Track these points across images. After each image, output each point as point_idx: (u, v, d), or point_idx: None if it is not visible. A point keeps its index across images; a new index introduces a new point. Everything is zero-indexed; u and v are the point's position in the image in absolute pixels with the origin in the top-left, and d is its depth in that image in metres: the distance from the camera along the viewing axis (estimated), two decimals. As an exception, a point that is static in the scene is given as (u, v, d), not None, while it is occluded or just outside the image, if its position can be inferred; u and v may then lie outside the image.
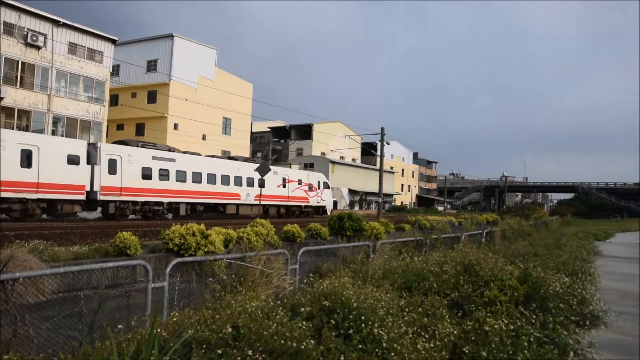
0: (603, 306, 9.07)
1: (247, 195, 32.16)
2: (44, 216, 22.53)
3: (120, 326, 4.25)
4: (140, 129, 46.33)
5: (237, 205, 31.71)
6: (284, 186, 35.80)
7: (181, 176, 27.58)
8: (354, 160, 75.31)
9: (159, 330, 3.89)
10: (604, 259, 19.68)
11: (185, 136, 44.08)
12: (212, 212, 30.62)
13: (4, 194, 19.63)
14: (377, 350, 4.45)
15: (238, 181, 31.67)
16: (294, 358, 4.07)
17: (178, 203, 27.66)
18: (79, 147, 23.10)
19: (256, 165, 28.55)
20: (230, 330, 4.18)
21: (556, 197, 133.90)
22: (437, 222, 22.05)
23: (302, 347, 4.12)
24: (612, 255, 21.74)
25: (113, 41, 38.54)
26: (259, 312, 4.69)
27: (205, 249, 9.37)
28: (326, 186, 41.20)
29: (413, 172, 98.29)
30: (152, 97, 46.16)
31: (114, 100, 44.62)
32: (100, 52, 37.61)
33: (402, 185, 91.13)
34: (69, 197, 22.30)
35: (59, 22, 34.17)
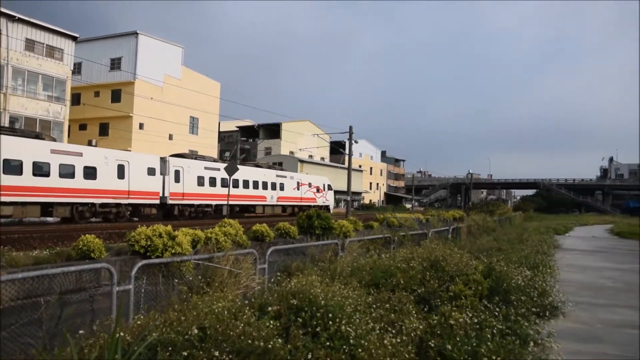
0: (562, 297, 9.43)
1: (272, 197, 37.24)
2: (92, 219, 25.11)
3: (81, 331, 4.14)
4: (104, 129, 45.15)
5: (264, 206, 36.72)
6: (298, 189, 40.82)
7: (224, 182, 30.88)
8: (322, 159, 75.52)
9: (122, 334, 3.81)
10: (563, 252, 20.42)
11: (151, 136, 43.20)
12: (243, 212, 35.11)
13: (106, 200, 25.01)
14: (344, 347, 4.48)
15: (265, 185, 36.50)
16: (262, 357, 4.06)
17: (222, 205, 31.47)
18: (155, 161, 28.11)
19: (278, 172, 36.26)
20: (196, 331, 4.13)
21: (519, 193, 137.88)
22: (405, 219, 22.36)
23: (270, 346, 4.12)
24: (571, 249, 22.58)
25: (74, 38, 37.40)
26: (226, 312, 4.65)
27: (173, 251, 9.23)
28: (329, 188, 46.80)
29: (381, 170, 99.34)
30: (116, 96, 45.00)
31: (75, 100, 43.26)
32: (60, 50, 36.43)
33: (371, 183, 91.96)
34: (149, 201, 27.53)
35: (14, 17, 32.88)
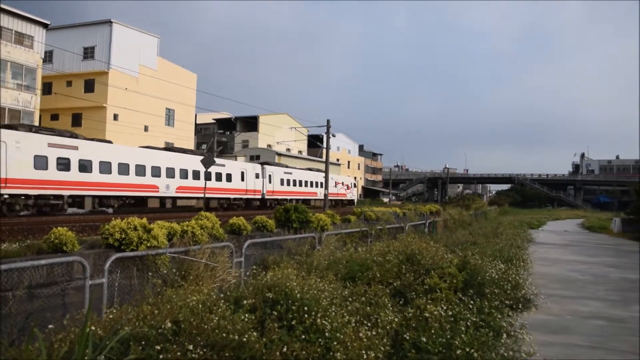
0: (534, 290, 9.66)
1: (320, 193, 47.63)
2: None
3: (51, 326, 4.04)
4: (76, 120, 44.02)
5: (315, 199, 48.55)
6: (335, 186, 53.42)
7: (296, 183, 44.78)
8: (300, 152, 75.30)
9: (93, 328, 3.73)
10: (536, 245, 20.88)
11: (126, 127, 42.37)
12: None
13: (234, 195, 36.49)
14: (320, 340, 4.48)
15: (317, 184, 48.82)
16: (236, 351, 4.03)
17: (292, 200, 40.16)
18: (258, 167, 39.36)
19: (318, 174, 48.48)
20: (170, 325, 4.08)
21: (495, 188, 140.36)
22: (382, 213, 22.50)
23: (245, 339, 4.08)
24: (544, 242, 23.11)
25: (45, 25, 36.26)
26: (201, 306, 4.60)
27: (148, 244, 9.08)
28: (354, 185, 61.46)
29: (359, 164, 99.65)
30: (89, 86, 43.88)
31: (47, 89, 42.01)
32: (30, 37, 35.28)
33: (348, 177, 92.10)
34: (256, 196, 38.67)
35: (-17, 3, 31.76)
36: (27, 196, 22.06)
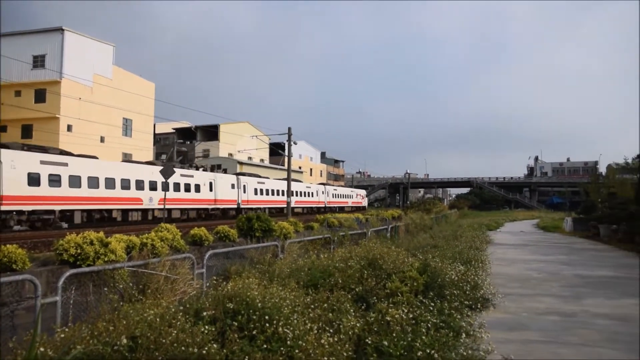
0: (492, 290, 9.93)
1: (349, 202, 67.36)
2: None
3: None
4: (27, 131, 42.24)
5: (344, 207, 65.54)
6: (355, 197, 74.94)
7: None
8: (262, 160, 74.88)
9: (43, 349, 3.57)
10: (494, 246, 21.51)
11: (81, 138, 40.99)
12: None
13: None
14: (282, 348, 4.45)
15: (343, 196, 68.04)
16: (197, 364, 3.95)
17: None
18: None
19: (352, 189, 75.29)
20: (125, 341, 3.95)
21: (455, 191, 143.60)
22: (345, 219, 22.66)
23: (204, 352, 4.01)
24: (501, 243, 23.83)
25: (-9, 34, 34.77)
26: (159, 319, 4.48)
27: (105, 258, 8.81)
28: (366, 195, 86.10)
29: (321, 171, 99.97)
30: (40, 96, 42.22)
31: (-7, 100, 40.19)
32: (-24, 46, 33.74)
33: (311, 184, 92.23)
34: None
35: None
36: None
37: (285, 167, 43.08)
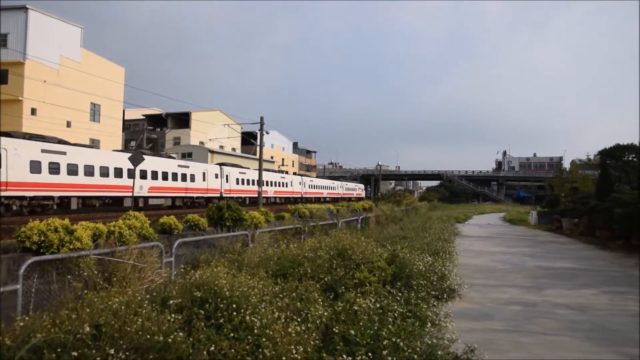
0: (459, 280, 10.16)
1: (353, 194, 79.10)
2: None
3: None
4: (-12, 114, 40.55)
5: (351, 198, 76.53)
6: (356, 190, 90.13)
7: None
8: (234, 149, 74.13)
9: (0, 337, 3.46)
10: (462, 238, 21.98)
11: (46, 123, 39.63)
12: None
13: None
14: (249, 337, 4.44)
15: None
16: (162, 352, 3.91)
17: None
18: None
19: (356, 184, 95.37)
20: (89, 329, 3.87)
21: (425, 184, 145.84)
22: (317, 209, 22.69)
23: (170, 340, 3.97)
24: (469, 235, 24.37)
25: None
26: (124, 307, 4.41)
27: (71, 246, 8.58)
28: (365, 189, 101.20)
29: (293, 161, 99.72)
30: (2, 78, 40.48)
31: (-48, 80, 38.43)
32: None
33: (286, 175, 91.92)
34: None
35: None
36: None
37: (257, 156, 42.82)
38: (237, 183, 44.72)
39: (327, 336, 5.32)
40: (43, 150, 25.30)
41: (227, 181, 42.67)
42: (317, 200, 64.40)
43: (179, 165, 36.74)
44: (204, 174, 39.41)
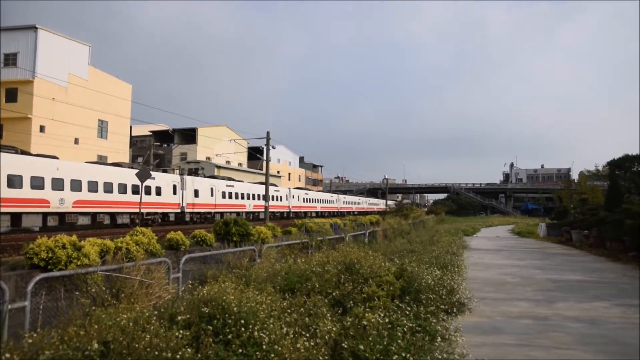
0: (468, 294, 10.05)
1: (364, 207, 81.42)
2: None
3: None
4: (-3, 131, 41.07)
5: (361, 212, 74.37)
6: (369, 204, 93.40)
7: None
8: (240, 164, 74.38)
9: (8, 355, 3.46)
10: (470, 251, 21.79)
11: (54, 140, 40.05)
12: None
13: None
14: (257, 353, 4.41)
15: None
16: (170, 369, 3.89)
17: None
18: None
19: (369, 199, 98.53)
20: (97, 346, 3.86)
21: (432, 197, 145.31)
22: (323, 224, 22.65)
23: (178, 356, 3.95)
24: (477, 248, 24.16)
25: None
26: (132, 324, 4.40)
27: (78, 262, 8.62)
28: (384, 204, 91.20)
29: (299, 176, 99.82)
30: (11, 96, 41.08)
31: (-38, 99, 39.01)
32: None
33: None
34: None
35: None
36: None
37: (264, 171, 42.84)
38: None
39: (336, 351, 5.27)
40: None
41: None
42: (321, 214, 63.44)
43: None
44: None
